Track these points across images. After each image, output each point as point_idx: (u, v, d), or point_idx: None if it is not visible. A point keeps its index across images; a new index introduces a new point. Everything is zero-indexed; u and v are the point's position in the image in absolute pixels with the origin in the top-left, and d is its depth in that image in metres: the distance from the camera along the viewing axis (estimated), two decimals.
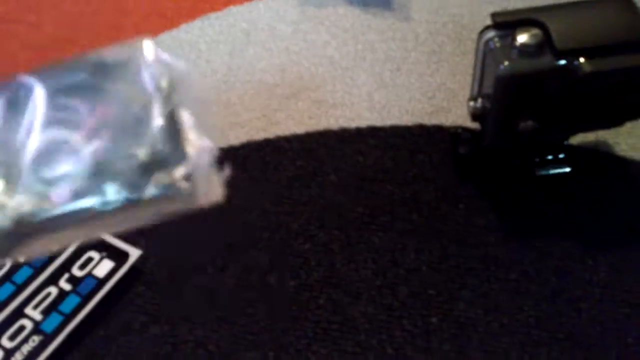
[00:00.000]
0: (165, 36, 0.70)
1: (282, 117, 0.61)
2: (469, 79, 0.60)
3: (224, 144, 0.59)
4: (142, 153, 0.15)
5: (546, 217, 0.52)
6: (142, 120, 0.16)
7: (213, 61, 0.67)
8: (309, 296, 0.47)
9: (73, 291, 0.47)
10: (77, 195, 0.15)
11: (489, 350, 0.44)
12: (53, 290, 0.47)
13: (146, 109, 0.16)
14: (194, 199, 0.16)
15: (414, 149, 0.56)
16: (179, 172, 0.16)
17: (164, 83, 0.17)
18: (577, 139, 0.55)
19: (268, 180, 0.55)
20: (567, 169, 0.54)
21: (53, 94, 0.16)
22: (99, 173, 0.16)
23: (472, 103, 0.49)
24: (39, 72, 0.16)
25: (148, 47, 0.17)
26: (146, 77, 0.17)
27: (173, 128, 0.16)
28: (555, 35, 0.45)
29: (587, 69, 0.44)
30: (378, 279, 0.47)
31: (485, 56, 0.47)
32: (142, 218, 0.15)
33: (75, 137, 0.16)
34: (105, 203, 0.15)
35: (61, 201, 0.15)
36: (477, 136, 0.52)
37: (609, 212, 0.51)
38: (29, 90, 0.16)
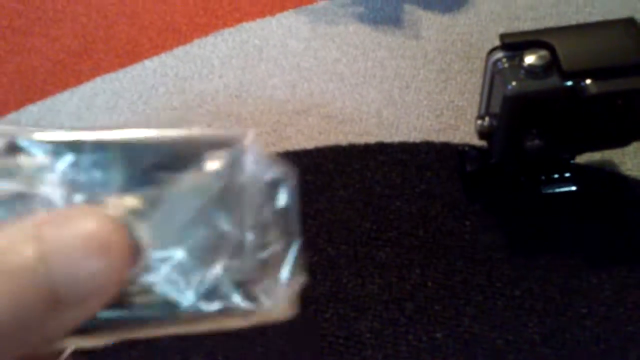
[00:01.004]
0: (179, 51, 0.72)
1: (292, 132, 0.62)
2: (477, 97, 0.61)
3: None
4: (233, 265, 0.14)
5: (552, 234, 0.52)
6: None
7: (225, 76, 0.68)
8: (316, 309, 0.48)
9: None
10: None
11: None
12: None
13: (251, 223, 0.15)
14: (267, 316, 0.15)
15: (421, 166, 0.57)
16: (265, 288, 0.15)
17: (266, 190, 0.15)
18: (583, 158, 0.56)
19: None
20: (573, 188, 0.54)
21: None
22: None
23: (479, 122, 0.50)
24: None
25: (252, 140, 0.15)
26: (247, 172, 0.15)
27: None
28: (562, 56, 0.46)
29: (594, 90, 0.45)
30: (384, 294, 0.48)
31: (494, 76, 0.48)
32: (200, 329, 0.15)
33: None
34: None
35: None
36: (484, 154, 0.53)
37: (614, 231, 0.52)
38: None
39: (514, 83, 0.46)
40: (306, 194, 0.56)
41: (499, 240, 0.51)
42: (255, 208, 0.14)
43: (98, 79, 0.70)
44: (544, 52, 0.47)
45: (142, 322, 0.14)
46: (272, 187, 0.15)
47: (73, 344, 0.15)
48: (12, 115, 0.66)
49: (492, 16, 0.71)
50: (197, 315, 0.14)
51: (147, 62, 0.71)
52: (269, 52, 0.70)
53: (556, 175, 0.55)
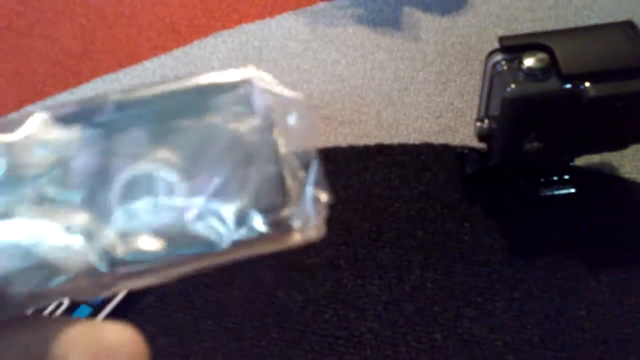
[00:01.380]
0: (179, 52, 0.72)
1: None
2: (476, 99, 0.61)
3: None
4: (250, 190, 0.15)
5: (551, 237, 0.52)
6: (253, 155, 0.15)
7: None
8: (316, 310, 0.48)
9: (84, 301, 0.48)
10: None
11: None
12: (65, 300, 0.47)
13: (258, 144, 0.15)
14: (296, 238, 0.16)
15: (421, 167, 0.57)
16: (287, 212, 0.15)
17: (276, 117, 0.16)
18: (582, 161, 0.56)
19: None
20: (572, 190, 0.54)
21: (154, 122, 0.15)
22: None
23: (479, 124, 0.50)
24: (138, 95, 0.15)
25: (257, 75, 0.16)
26: (257, 108, 0.16)
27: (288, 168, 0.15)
28: (561, 59, 0.46)
29: (592, 93, 0.45)
30: (384, 295, 0.48)
31: (493, 78, 0.48)
32: (240, 256, 0.15)
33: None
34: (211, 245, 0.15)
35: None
36: (483, 156, 0.53)
37: (613, 233, 0.52)
38: (127, 117, 0.15)
39: (513, 85, 0.46)
40: None
41: (499, 242, 0.51)
42: (271, 140, 0.15)
43: (98, 80, 0.70)
44: (542, 55, 0.47)
45: (184, 259, 0.15)
46: (284, 112, 0.16)
47: (125, 287, 0.15)
48: (10, 117, 0.66)
49: (491, 18, 0.71)
50: (234, 246, 0.15)
51: (146, 63, 0.71)
52: (269, 53, 0.70)
53: (555, 178, 0.55)
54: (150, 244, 0.14)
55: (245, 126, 0.15)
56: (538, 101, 0.47)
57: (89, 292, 0.14)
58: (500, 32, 0.69)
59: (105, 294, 0.15)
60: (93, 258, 0.14)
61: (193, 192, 0.14)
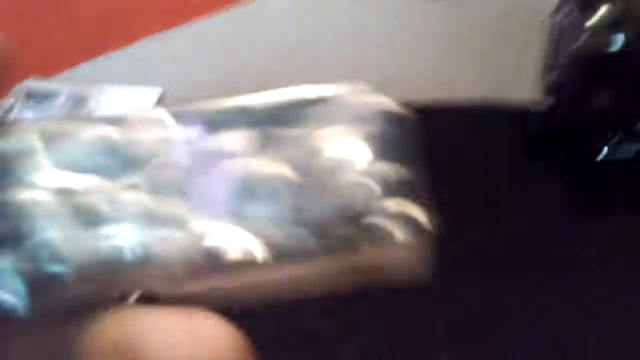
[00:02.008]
0: (227, 12, 0.71)
1: None
2: (534, 58, 0.59)
3: None
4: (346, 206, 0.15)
5: (614, 199, 0.51)
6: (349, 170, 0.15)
7: (275, 38, 0.68)
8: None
9: None
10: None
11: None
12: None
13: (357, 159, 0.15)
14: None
15: (479, 127, 0.56)
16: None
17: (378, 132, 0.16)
18: None
19: None
20: (636, 153, 0.53)
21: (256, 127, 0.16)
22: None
23: (547, 77, 0.49)
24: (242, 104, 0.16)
25: (360, 89, 0.16)
26: (357, 120, 0.16)
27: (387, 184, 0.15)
28: (635, 10, 0.45)
29: None
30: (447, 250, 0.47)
31: (563, 30, 0.46)
32: (331, 269, 0.15)
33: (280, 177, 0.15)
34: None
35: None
36: (546, 115, 0.52)
37: None
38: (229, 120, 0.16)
39: (584, 37, 0.44)
40: None
41: (562, 202, 0.50)
42: (366, 152, 0.15)
43: (147, 39, 0.70)
44: (616, 7, 0.45)
45: (281, 265, 0.15)
46: (382, 124, 0.16)
47: (224, 284, 0.15)
48: (66, 73, 0.66)
49: None
50: (325, 253, 0.15)
51: (196, 23, 0.71)
52: (320, 14, 0.69)
53: (620, 140, 0.53)
54: (254, 246, 0.14)
55: (343, 137, 0.15)
56: (609, 54, 0.45)
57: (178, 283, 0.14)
58: None
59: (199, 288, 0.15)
60: (195, 251, 0.14)
61: (294, 198, 0.15)
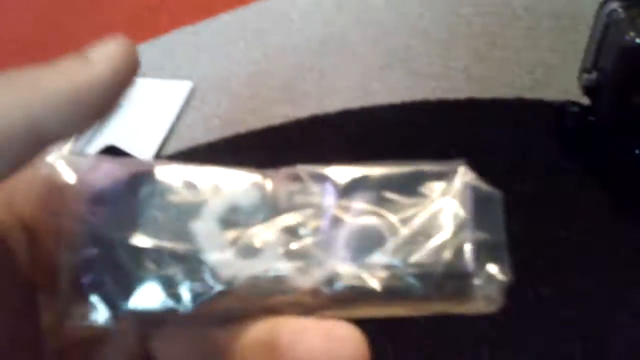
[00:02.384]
0: (257, 5, 0.71)
1: (377, 87, 0.61)
2: (569, 55, 0.59)
3: (320, 110, 0.59)
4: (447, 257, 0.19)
5: None
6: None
7: (305, 30, 0.67)
8: None
9: None
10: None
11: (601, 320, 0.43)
12: None
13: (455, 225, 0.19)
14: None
15: (514, 122, 0.55)
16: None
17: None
18: None
19: (364, 147, 0.56)
20: None
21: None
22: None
23: (586, 75, 0.49)
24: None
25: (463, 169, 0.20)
26: (459, 196, 0.20)
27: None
28: None
29: None
30: None
31: (608, 27, 0.46)
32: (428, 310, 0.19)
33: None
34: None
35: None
36: (584, 110, 0.52)
37: None
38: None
39: (631, 33, 0.44)
40: (394, 147, 0.55)
41: (599, 198, 0.50)
42: (471, 224, 0.19)
43: (176, 32, 0.70)
44: None
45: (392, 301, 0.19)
46: (484, 206, 0.20)
47: (338, 315, 0.18)
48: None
49: None
50: (425, 298, 0.18)
51: (225, 16, 0.70)
52: (349, 7, 0.69)
53: None
54: (369, 281, 0.18)
55: (448, 207, 0.19)
56: None
57: (301, 311, 0.18)
58: None
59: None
60: (320, 281, 0.18)
61: (400, 249, 0.18)
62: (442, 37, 0.65)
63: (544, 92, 0.58)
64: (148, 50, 0.67)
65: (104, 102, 0.17)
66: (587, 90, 0.49)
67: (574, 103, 0.53)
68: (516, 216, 0.50)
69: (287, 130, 0.58)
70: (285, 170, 0.20)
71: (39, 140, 0.16)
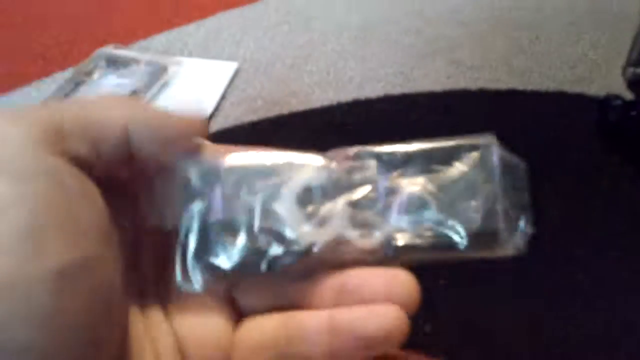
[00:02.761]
0: None
1: (418, 74, 0.62)
2: (611, 52, 0.59)
3: (361, 95, 0.60)
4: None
5: None
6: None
7: (348, 18, 0.68)
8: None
9: None
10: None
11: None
12: None
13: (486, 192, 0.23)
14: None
15: (556, 114, 0.56)
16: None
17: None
18: None
19: (403, 132, 0.56)
20: None
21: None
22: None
23: (631, 69, 0.49)
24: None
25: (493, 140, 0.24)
26: (490, 165, 0.23)
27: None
28: None
29: None
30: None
31: None
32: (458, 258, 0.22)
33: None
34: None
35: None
36: (628, 105, 0.52)
37: None
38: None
39: None
40: (434, 134, 0.56)
41: (639, 191, 0.50)
42: (500, 188, 0.22)
43: (222, 14, 0.71)
44: None
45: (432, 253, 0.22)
46: (511, 173, 0.23)
47: (394, 265, 0.22)
48: (142, 43, 0.68)
49: None
50: (465, 250, 0.22)
51: (270, 1, 0.72)
52: None
53: None
54: (418, 239, 0.22)
55: (480, 175, 0.22)
56: None
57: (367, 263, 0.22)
58: None
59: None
60: (379, 243, 0.22)
61: (442, 211, 0.22)
62: (483, 29, 0.65)
63: (585, 87, 0.58)
64: (195, 31, 0.69)
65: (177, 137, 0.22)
66: (631, 84, 0.49)
67: (617, 97, 0.54)
68: (556, 206, 0.51)
69: (329, 112, 0.59)
70: (343, 152, 0.23)
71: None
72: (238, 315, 0.23)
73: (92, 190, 0.20)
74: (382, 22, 0.67)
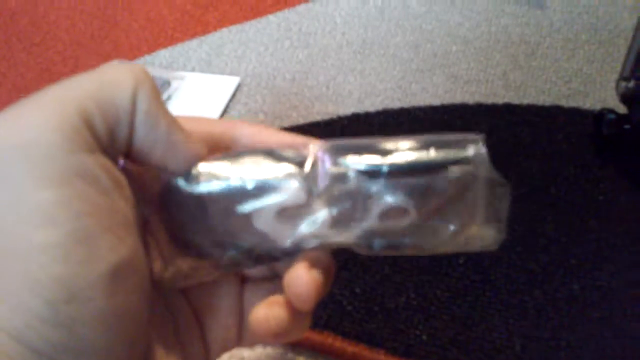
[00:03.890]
0: (302, 8, 0.74)
1: (417, 89, 0.63)
2: (606, 66, 0.61)
3: (360, 109, 0.61)
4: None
5: None
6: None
7: (348, 33, 0.70)
8: (450, 255, 0.49)
9: None
10: None
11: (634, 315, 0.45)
12: None
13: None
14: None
15: (551, 128, 0.57)
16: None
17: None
18: None
19: None
20: None
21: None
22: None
23: (624, 83, 0.50)
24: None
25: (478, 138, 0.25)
26: (472, 160, 0.24)
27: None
28: None
29: None
30: (519, 246, 0.49)
31: None
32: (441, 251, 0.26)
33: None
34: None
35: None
36: (622, 118, 0.53)
37: None
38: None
39: None
40: None
41: (633, 203, 0.51)
42: (484, 188, 0.24)
43: (224, 30, 0.73)
44: None
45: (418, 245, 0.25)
46: (493, 190, 0.25)
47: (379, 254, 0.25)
48: (146, 58, 0.69)
49: None
50: (443, 245, 0.25)
51: (271, 17, 0.73)
52: (391, 13, 0.72)
53: None
54: (398, 234, 0.24)
55: (463, 172, 0.23)
56: None
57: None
58: (631, 3, 0.68)
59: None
60: (357, 239, 0.24)
61: (424, 215, 0.24)
62: (481, 44, 0.67)
63: (580, 101, 0.59)
64: (197, 47, 0.70)
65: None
66: (624, 98, 0.50)
67: (611, 111, 0.55)
68: (551, 218, 0.52)
69: (329, 126, 0.61)
70: (321, 159, 0.24)
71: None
72: (243, 279, 0.26)
73: (120, 178, 0.20)
74: (381, 38, 0.69)
